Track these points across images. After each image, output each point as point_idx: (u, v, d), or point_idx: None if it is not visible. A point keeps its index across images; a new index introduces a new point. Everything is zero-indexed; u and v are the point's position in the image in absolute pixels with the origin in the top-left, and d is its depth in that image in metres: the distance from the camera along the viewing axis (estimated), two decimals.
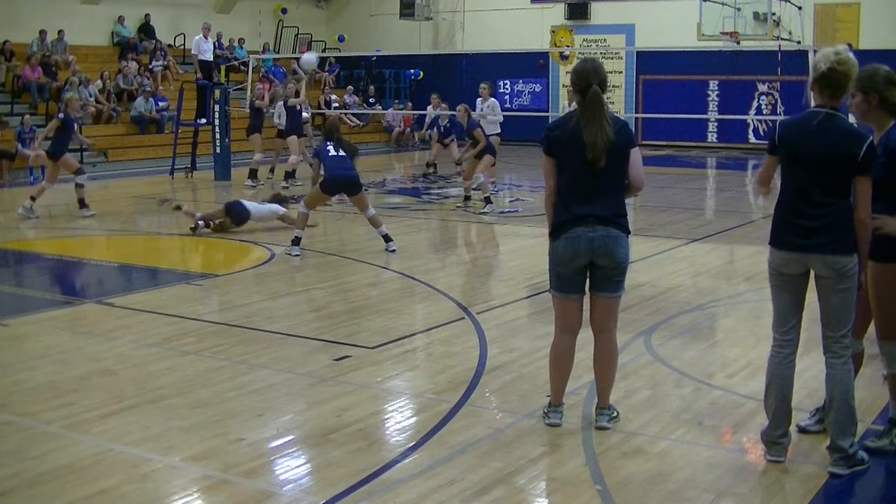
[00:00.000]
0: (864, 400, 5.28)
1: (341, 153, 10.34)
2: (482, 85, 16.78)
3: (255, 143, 17.60)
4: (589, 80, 4.96)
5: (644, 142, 19.88)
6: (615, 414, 5.23)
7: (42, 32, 21.88)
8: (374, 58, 27.57)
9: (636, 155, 5.04)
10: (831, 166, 4.46)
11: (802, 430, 5.08)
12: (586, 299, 5.14)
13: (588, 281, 5.07)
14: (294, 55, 28.01)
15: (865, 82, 4.66)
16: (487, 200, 13.67)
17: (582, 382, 5.78)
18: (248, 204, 11.82)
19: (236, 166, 18.78)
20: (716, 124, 25.71)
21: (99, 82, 21.59)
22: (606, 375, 5.16)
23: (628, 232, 5.04)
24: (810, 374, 5.81)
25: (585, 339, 5.22)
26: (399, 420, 5.43)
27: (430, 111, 20.08)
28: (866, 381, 5.61)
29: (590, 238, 4.91)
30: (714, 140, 25.94)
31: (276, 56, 27.07)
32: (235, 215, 11.60)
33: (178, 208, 13.05)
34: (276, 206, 11.97)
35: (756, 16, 23.32)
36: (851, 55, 4.51)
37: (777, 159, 4.64)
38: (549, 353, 5.26)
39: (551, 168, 5.05)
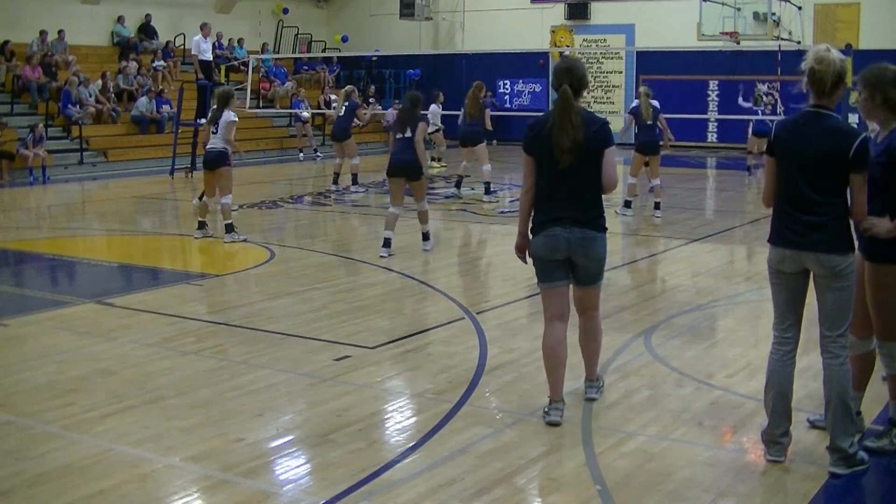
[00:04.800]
0: (864, 400, 5.28)
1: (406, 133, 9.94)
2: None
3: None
4: (560, 79, 5.07)
5: None
6: (601, 384, 5.67)
7: (42, 33, 21.87)
8: (374, 58, 27.56)
9: (609, 156, 5.07)
10: (822, 164, 4.46)
11: (812, 425, 5.11)
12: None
13: (571, 273, 5.25)
14: (294, 55, 28.06)
15: (871, 80, 4.65)
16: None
17: (582, 382, 5.78)
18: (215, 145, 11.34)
19: (236, 166, 18.74)
20: (716, 124, 25.71)
21: (99, 82, 21.56)
22: (590, 349, 5.49)
23: (604, 231, 5.19)
24: (810, 374, 5.82)
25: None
26: (399, 420, 5.43)
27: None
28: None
29: (566, 238, 5.08)
30: (714, 140, 25.95)
31: (276, 56, 27.06)
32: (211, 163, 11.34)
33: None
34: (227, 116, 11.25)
35: (756, 16, 23.33)
36: (834, 53, 4.50)
37: (775, 161, 4.65)
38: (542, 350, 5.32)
39: (529, 167, 5.17)
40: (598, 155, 5.04)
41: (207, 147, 11.27)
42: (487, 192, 14.97)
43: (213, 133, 11.20)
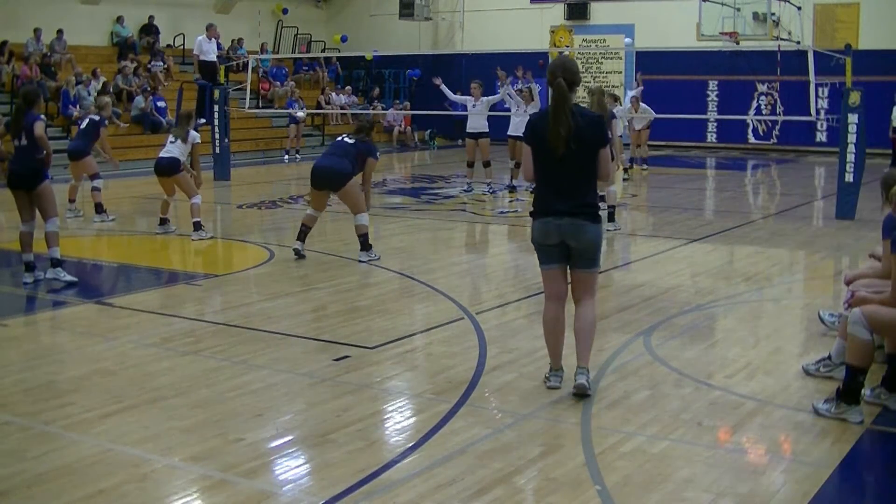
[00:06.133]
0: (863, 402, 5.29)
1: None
2: None
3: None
4: (555, 74, 5.43)
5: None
6: (589, 375, 5.74)
7: (37, 31, 21.80)
8: (368, 56, 27.54)
9: (605, 153, 5.49)
10: None
11: (816, 411, 5.29)
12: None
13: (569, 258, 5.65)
14: (293, 55, 28.05)
15: None
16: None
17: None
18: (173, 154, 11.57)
19: (235, 166, 18.77)
20: (715, 124, 25.73)
21: (102, 79, 21.51)
22: (584, 338, 5.65)
23: (597, 220, 5.58)
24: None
25: None
26: (399, 420, 5.43)
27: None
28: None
29: (558, 225, 5.51)
30: (713, 140, 25.97)
31: (275, 56, 27.05)
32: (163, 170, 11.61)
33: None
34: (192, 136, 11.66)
35: (755, 16, 23.36)
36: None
37: None
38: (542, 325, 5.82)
39: (527, 155, 5.60)
40: (592, 149, 5.44)
41: (161, 154, 11.70)
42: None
43: (171, 142, 11.66)
